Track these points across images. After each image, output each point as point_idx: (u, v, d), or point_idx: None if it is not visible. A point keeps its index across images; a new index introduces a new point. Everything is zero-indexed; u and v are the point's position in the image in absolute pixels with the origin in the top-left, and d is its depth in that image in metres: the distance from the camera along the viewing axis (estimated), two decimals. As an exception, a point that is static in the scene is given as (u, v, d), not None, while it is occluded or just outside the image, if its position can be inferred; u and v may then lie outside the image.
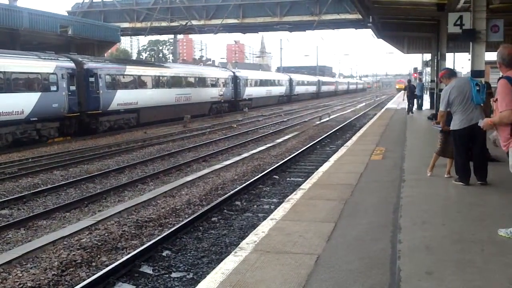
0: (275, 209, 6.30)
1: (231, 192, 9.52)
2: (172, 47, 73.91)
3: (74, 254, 6.41)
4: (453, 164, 7.41)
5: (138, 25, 35.46)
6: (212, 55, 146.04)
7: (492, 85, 10.69)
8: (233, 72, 38.93)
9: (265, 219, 5.76)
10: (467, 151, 6.86)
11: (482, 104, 6.78)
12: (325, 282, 3.69)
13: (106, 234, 7.25)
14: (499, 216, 5.47)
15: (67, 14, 34.12)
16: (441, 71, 7.62)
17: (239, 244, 4.78)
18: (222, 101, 34.70)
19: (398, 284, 3.57)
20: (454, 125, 6.85)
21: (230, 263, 4.15)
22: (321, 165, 9.75)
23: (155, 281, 5.64)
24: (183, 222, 7.53)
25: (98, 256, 6.44)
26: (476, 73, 12.30)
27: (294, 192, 7.05)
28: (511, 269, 3.84)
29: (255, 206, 8.94)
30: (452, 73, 7.34)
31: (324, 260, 4.15)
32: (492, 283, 3.57)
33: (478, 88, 6.68)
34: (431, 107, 24.96)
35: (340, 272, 3.86)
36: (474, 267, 3.89)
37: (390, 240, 4.60)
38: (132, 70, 25.22)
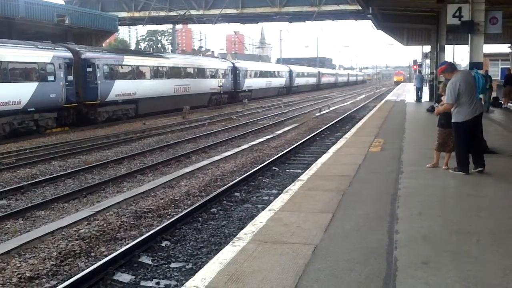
0: (274, 200, 6.32)
1: (231, 184, 9.53)
2: (170, 37, 73.60)
3: (72, 245, 6.43)
4: (451, 156, 7.46)
5: (136, 14, 35.26)
6: (212, 46, 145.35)
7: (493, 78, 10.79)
8: (233, 63, 38.79)
9: (264, 210, 5.78)
10: (469, 142, 6.92)
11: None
12: (322, 271, 3.71)
13: (105, 225, 7.26)
14: (496, 207, 5.52)
15: (64, 3, 33.90)
16: (441, 66, 7.44)
17: (238, 234, 4.80)
18: (222, 92, 34.61)
19: (394, 274, 3.60)
20: (459, 117, 6.85)
21: (228, 253, 4.17)
22: (320, 157, 9.76)
23: (154, 271, 5.67)
24: (182, 213, 7.55)
25: (97, 246, 6.46)
26: (474, 65, 12.30)
27: (293, 183, 7.07)
28: (506, 259, 3.88)
29: (254, 197, 8.96)
30: (454, 67, 7.32)
31: (322, 250, 4.17)
32: (487, 273, 3.62)
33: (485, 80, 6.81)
34: (431, 99, 24.96)
35: (337, 262, 3.89)
36: (470, 257, 3.93)
37: (387, 231, 4.63)
38: (131, 61, 25.09)
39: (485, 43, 12.91)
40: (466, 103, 6.78)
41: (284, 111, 28.71)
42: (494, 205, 5.63)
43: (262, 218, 5.22)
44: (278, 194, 7.41)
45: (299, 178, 7.38)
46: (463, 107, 6.80)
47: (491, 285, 3.41)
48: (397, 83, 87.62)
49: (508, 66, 23.99)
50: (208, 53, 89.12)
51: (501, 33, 14.63)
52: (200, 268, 4.21)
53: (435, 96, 20.41)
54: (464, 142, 6.91)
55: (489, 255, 3.96)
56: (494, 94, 21.07)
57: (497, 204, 5.67)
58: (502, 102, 20.63)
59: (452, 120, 6.99)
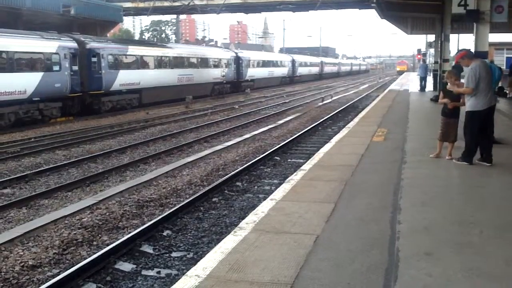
0: (276, 190, 6.30)
1: (232, 173, 9.52)
2: (174, 28, 73.24)
3: (75, 233, 6.45)
4: (454, 146, 7.41)
5: (141, 5, 35.05)
6: (215, 36, 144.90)
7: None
8: (236, 53, 38.61)
9: (265, 199, 5.77)
10: (480, 132, 6.87)
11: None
12: (324, 261, 3.70)
13: (107, 214, 7.28)
14: (500, 198, 5.48)
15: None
16: (461, 52, 7.28)
17: (239, 224, 4.79)
18: (224, 82, 34.50)
19: (396, 264, 3.58)
20: (477, 106, 6.77)
21: (229, 242, 4.17)
22: (322, 146, 9.72)
23: (155, 260, 5.68)
24: (184, 202, 7.56)
25: (99, 235, 6.48)
26: (479, 54, 12.17)
27: (295, 173, 7.05)
28: (509, 250, 3.85)
29: (255, 187, 8.95)
30: (473, 54, 7.26)
31: (323, 240, 4.16)
32: (489, 263, 3.59)
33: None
34: (434, 88, 24.80)
35: (339, 252, 3.87)
36: (472, 248, 3.91)
37: (389, 221, 4.61)
38: (135, 50, 25.05)
39: (490, 32, 12.77)
40: (484, 92, 6.73)
41: (287, 101, 28.60)
42: (498, 196, 5.60)
43: (264, 207, 5.21)
44: (280, 184, 7.39)
45: (301, 168, 7.36)
46: (480, 95, 6.73)
47: (493, 276, 3.39)
48: (400, 72, 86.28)
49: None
50: (211, 43, 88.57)
51: (506, 22, 14.45)
52: (201, 258, 4.21)
53: (439, 86, 20.26)
54: (476, 132, 6.85)
55: (492, 246, 3.93)
56: (499, 84, 20.88)
57: (501, 195, 5.64)
58: (507, 92, 20.46)
59: (467, 109, 6.87)
